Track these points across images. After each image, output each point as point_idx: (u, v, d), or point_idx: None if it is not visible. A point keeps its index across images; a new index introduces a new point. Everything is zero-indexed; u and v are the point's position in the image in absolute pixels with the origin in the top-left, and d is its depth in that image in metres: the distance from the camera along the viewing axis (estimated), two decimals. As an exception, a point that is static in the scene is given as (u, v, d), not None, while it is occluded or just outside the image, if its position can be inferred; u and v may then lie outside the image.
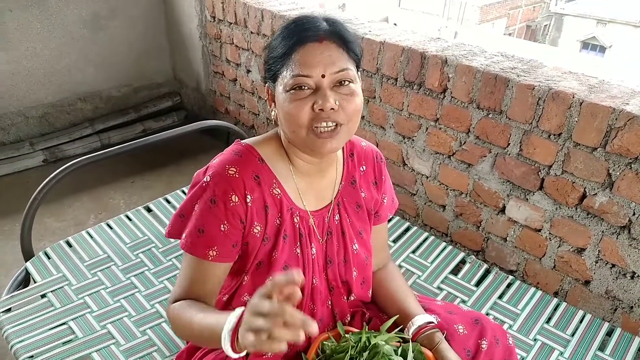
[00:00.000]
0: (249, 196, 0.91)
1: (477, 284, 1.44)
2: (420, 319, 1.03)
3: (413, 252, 1.57)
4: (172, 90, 3.38)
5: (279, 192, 0.96)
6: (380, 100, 2.01)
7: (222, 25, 2.74)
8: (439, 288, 1.43)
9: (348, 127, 0.90)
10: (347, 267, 1.05)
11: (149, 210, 1.72)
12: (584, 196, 1.51)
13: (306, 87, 0.86)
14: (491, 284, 1.44)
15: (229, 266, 0.97)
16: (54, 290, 1.38)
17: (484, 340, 1.02)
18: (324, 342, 1.00)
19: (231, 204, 0.90)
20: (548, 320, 1.32)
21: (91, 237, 1.59)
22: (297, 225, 0.98)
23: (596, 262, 1.54)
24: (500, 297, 1.40)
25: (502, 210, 1.75)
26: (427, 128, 1.88)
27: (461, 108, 1.74)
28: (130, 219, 1.67)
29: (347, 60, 0.88)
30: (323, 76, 0.85)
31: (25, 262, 1.50)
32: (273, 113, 0.94)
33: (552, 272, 1.67)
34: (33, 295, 1.37)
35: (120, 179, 2.75)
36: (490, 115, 1.66)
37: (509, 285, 1.44)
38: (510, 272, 1.80)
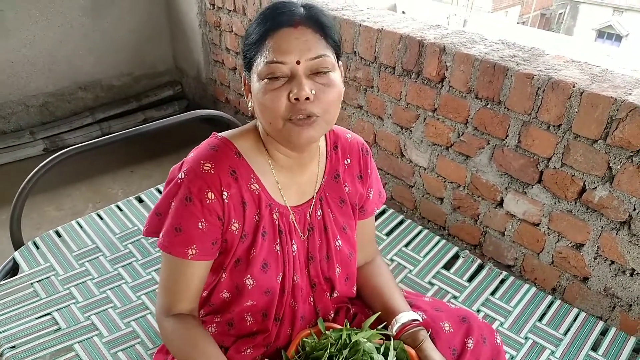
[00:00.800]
0: (225, 192, 0.88)
1: (470, 280, 1.41)
2: (405, 316, 0.99)
3: (405, 245, 1.54)
4: (173, 79, 3.36)
5: (257, 187, 0.92)
6: (378, 90, 1.96)
7: (221, 12, 2.70)
8: (430, 283, 1.40)
9: (325, 119, 0.86)
10: (329, 263, 1.02)
11: (140, 200, 1.70)
12: (583, 190, 1.45)
13: (281, 75, 0.81)
14: (484, 279, 1.40)
15: (209, 264, 0.94)
16: (40, 280, 1.37)
17: (471, 338, 0.99)
18: (305, 339, 0.97)
19: (207, 202, 0.87)
20: (541, 318, 1.28)
21: (81, 227, 1.58)
22: (277, 222, 0.95)
23: (595, 258, 1.49)
24: (492, 293, 1.36)
25: (500, 204, 1.71)
26: (424, 118, 1.84)
27: (459, 98, 1.69)
28: (121, 209, 1.66)
29: (325, 46, 0.83)
30: (298, 62, 0.80)
31: (15, 251, 1.50)
32: (250, 104, 0.90)
33: (550, 268, 1.63)
34: (19, 285, 1.36)
35: (119, 168, 2.74)
36: (488, 106, 1.61)
37: (502, 282, 1.40)
38: (508, 267, 1.76)
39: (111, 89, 3.10)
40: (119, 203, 1.68)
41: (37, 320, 1.25)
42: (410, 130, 1.91)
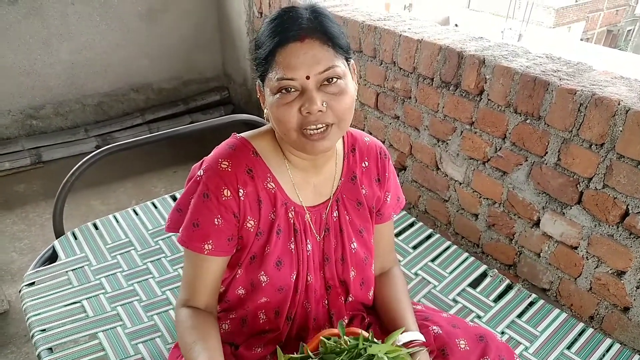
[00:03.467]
0: (241, 190, 0.90)
1: (496, 300, 1.35)
2: (407, 336, 0.96)
3: (432, 260, 1.50)
4: (220, 84, 3.46)
5: (273, 186, 0.94)
6: (416, 101, 1.94)
7: (268, 21, 2.76)
8: (454, 300, 1.35)
9: (339, 127, 0.86)
10: (344, 266, 1.02)
11: (174, 199, 1.76)
12: (626, 214, 1.37)
13: (292, 90, 0.82)
14: (511, 300, 1.34)
15: (226, 260, 0.96)
16: (74, 269, 1.45)
17: (487, 358, 0.94)
18: (324, 339, 0.96)
19: (223, 198, 0.89)
20: (570, 346, 1.21)
21: (117, 221, 1.65)
22: (292, 221, 0.96)
23: (637, 287, 1.39)
24: (519, 316, 1.30)
25: (537, 224, 1.63)
26: (461, 131, 1.79)
27: (497, 112, 1.64)
28: (155, 207, 1.72)
29: (334, 56, 0.83)
30: (308, 77, 0.81)
31: (56, 239, 1.59)
32: (265, 111, 0.91)
33: (587, 295, 1.53)
34: (55, 272, 1.44)
35: (164, 168, 2.85)
36: (527, 121, 1.55)
37: (531, 304, 1.33)
38: (543, 291, 1.67)
39: (161, 91, 3.24)
40: (155, 200, 1.75)
41: (67, 307, 1.32)
42: (447, 143, 1.87)
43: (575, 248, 1.53)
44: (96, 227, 1.62)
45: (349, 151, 1.02)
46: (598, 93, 1.35)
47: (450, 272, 1.45)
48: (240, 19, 3.00)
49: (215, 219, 0.90)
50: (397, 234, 1.61)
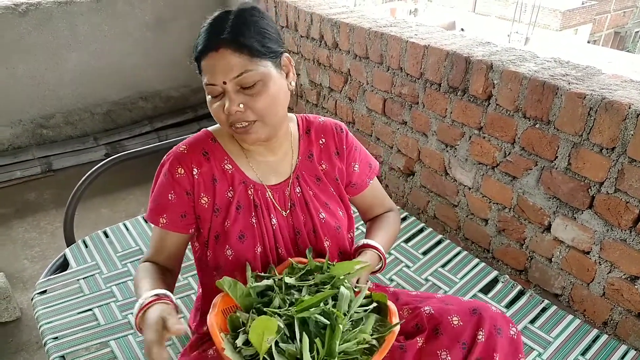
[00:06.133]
0: (195, 169, 1.00)
1: (508, 306, 1.34)
2: (365, 241, 1.08)
3: (442, 266, 1.49)
4: (228, 91, 3.48)
5: (231, 167, 1.03)
6: (424, 106, 1.94)
7: (274, 28, 2.78)
8: (464, 306, 1.34)
9: (264, 122, 0.94)
10: (317, 237, 1.07)
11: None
12: (639, 218, 1.35)
13: (216, 92, 0.91)
14: (524, 306, 1.33)
15: (182, 238, 1.05)
16: (85, 278, 1.45)
17: (482, 330, 0.93)
18: (293, 262, 1.02)
19: (177, 176, 1.00)
20: (584, 352, 1.20)
21: (127, 229, 1.66)
22: (252, 197, 1.03)
23: (651, 292, 1.37)
24: (532, 321, 1.29)
25: (548, 229, 1.62)
26: (470, 136, 1.79)
27: (506, 116, 1.63)
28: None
29: (248, 62, 0.89)
30: (224, 82, 0.89)
31: (67, 248, 1.60)
32: None
33: (600, 300, 1.52)
34: (67, 280, 1.44)
35: (171, 175, 2.86)
36: (537, 125, 1.55)
37: (543, 310, 1.32)
38: (555, 296, 1.66)
39: (169, 99, 3.26)
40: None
41: (79, 315, 1.32)
42: (455, 148, 1.86)
43: (588, 253, 1.51)
44: (106, 235, 1.63)
45: (304, 133, 1.10)
46: (608, 97, 1.34)
47: (461, 278, 1.44)
48: (247, 27, 3.02)
49: (169, 195, 1.00)
50: (407, 240, 1.60)
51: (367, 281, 1.05)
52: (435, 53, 1.81)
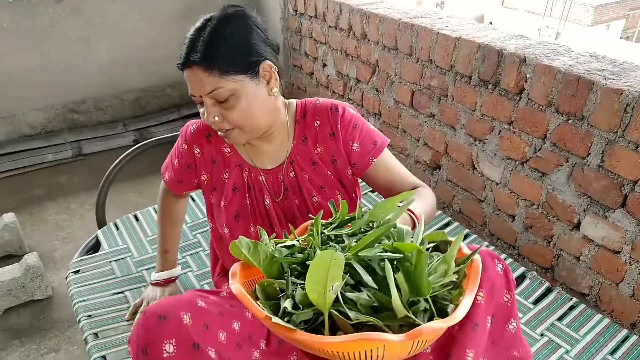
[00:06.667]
0: (197, 149, 1.12)
1: (536, 302, 1.33)
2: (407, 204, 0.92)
3: (468, 260, 1.48)
4: (253, 81, 3.50)
5: (229, 150, 1.12)
6: (453, 99, 1.92)
7: (302, 19, 2.78)
8: (490, 301, 1.34)
9: (242, 130, 1.00)
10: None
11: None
12: (674, 218, 1.32)
13: (198, 101, 0.99)
14: (551, 303, 1.32)
15: (180, 202, 1.30)
16: (117, 260, 1.49)
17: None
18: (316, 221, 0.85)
19: (181, 150, 1.14)
20: (613, 352, 1.18)
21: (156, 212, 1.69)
22: (246, 179, 1.11)
23: (684, 294, 1.35)
24: (560, 319, 1.27)
25: (577, 227, 1.59)
26: (500, 131, 1.77)
27: (538, 111, 1.61)
28: (193, 200, 1.76)
29: (219, 80, 0.93)
30: (201, 96, 0.96)
31: (98, 230, 1.64)
32: None
33: (630, 301, 1.49)
34: (100, 261, 1.49)
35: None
36: (570, 121, 1.52)
37: (571, 308, 1.31)
38: (582, 295, 1.64)
39: (196, 88, 3.29)
40: (193, 194, 1.78)
41: (112, 296, 1.36)
42: (484, 143, 1.84)
43: (618, 253, 1.49)
44: (137, 219, 1.67)
45: (300, 117, 1.12)
46: (646, 93, 1.31)
47: (487, 273, 1.43)
48: (275, 17, 3.02)
49: (175, 161, 1.17)
50: (433, 233, 1.60)
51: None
52: (466, 45, 1.79)
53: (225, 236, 1.13)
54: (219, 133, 1.02)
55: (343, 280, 0.67)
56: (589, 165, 1.50)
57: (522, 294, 1.36)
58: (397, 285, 0.67)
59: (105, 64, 2.97)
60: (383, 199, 0.97)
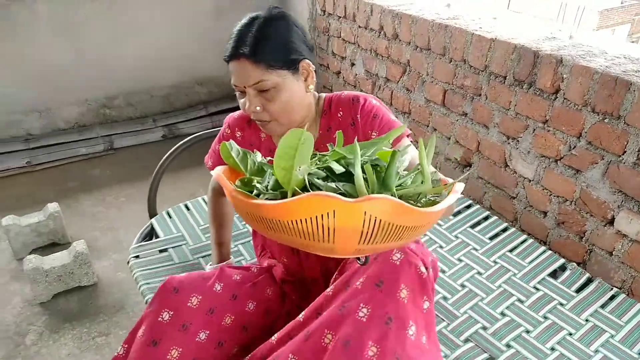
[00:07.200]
0: (238, 132, 1.24)
1: (578, 291, 1.40)
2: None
3: (510, 251, 1.55)
4: (278, 79, 3.57)
5: (264, 136, 1.22)
6: (486, 98, 1.99)
7: (331, 19, 2.85)
8: (535, 288, 1.41)
9: (279, 122, 1.08)
10: None
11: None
12: None
13: (240, 91, 1.07)
14: (593, 292, 1.38)
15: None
16: (174, 247, 1.56)
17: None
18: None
19: (224, 135, 1.25)
20: (656, 337, 1.25)
21: (206, 203, 1.76)
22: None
23: None
24: (602, 306, 1.34)
25: (611, 222, 1.66)
26: (534, 129, 1.83)
27: (574, 110, 1.67)
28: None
29: (264, 72, 1.01)
30: (244, 87, 1.04)
31: (150, 219, 1.71)
32: None
33: (662, 293, 1.56)
34: (157, 247, 1.56)
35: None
36: (606, 120, 1.59)
37: (612, 298, 1.37)
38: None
39: (222, 85, 3.37)
40: (238, 186, 1.85)
41: (173, 279, 1.43)
42: (517, 141, 1.91)
43: (652, 246, 1.55)
44: (187, 208, 1.74)
45: (327, 109, 1.18)
46: (685, 94, 1.38)
47: (529, 262, 1.50)
48: (303, 17, 3.09)
49: (217, 146, 1.26)
50: (473, 226, 1.67)
51: None
52: (502, 46, 1.86)
53: None
54: (257, 122, 1.10)
55: (312, 164, 0.69)
56: (624, 163, 1.57)
57: (564, 283, 1.42)
58: (367, 172, 0.68)
59: (137, 60, 3.04)
60: None
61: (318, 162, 0.76)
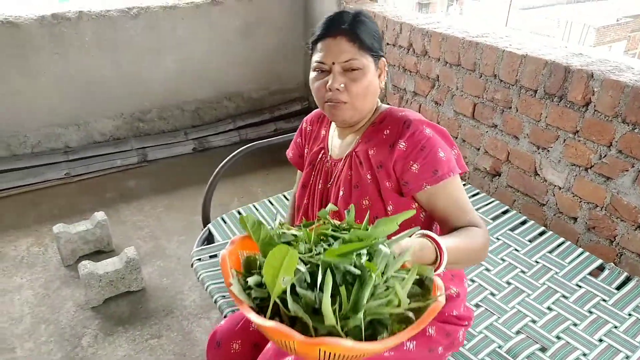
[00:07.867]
0: (309, 127, 1.34)
1: (619, 288, 1.49)
2: (421, 231, 0.96)
3: (550, 252, 1.65)
4: (301, 95, 3.70)
5: (324, 133, 1.29)
6: (517, 111, 2.10)
7: (358, 36, 2.98)
8: (577, 285, 1.50)
9: (353, 106, 1.10)
10: (339, 213, 1.15)
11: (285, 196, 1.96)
12: None
13: (323, 70, 1.10)
14: (634, 289, 1.48)
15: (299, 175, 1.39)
16: (232, 249, 1.65)
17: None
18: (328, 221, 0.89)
19: (302, 128, 1.36)
20: (696, 331, 1.34)
21: (256, 209, 1.86)
22: (319, 159, 1.27)
23: None
24: (642, 303, 1.44)
25: (641, 226, 1.76)
26: (564, 140, 1.94)
27: (604, 121, 1.79)
28: (287, 199, 1.93)
29: (357, 52, 1.07)
30: (333, 63, 1.07)
31: (204, 226, 1.80)
32: None
33: (694, 291, 1.65)
34: (217, 251, 1.65)
35: (258, 170, 3.08)
36: (636, 130, 1.70)
37: (651, 294, 1.47)
38: (645, 289, 1.79)
39: (249, 100, 3.49)
40: (285, 193, 1.95)
41: (236, 279, 1.52)
42: (548, 150, 2.02)
43: (683, 247, 1.65)
44: (240, 214, 1.83)
45: (378, 122, 1.16)
46: None
47: (569, 263, 1.59)
48: (328, 34, 3.22)
49: (298, 139, 1.38)
50: (512, 229, 1.76)
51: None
52: (533, 62, 1.98)
53: (297, 198, 1.32)
54: (329, 104, 1.09)
55: (296, 275, 0.72)
56: (655, 170, 1.67)
57: (604, 281, 1.52)
58: (341, 293, 0.70)
59: (170, 76, 3.16)
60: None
61: (315, 247, 0.80)
